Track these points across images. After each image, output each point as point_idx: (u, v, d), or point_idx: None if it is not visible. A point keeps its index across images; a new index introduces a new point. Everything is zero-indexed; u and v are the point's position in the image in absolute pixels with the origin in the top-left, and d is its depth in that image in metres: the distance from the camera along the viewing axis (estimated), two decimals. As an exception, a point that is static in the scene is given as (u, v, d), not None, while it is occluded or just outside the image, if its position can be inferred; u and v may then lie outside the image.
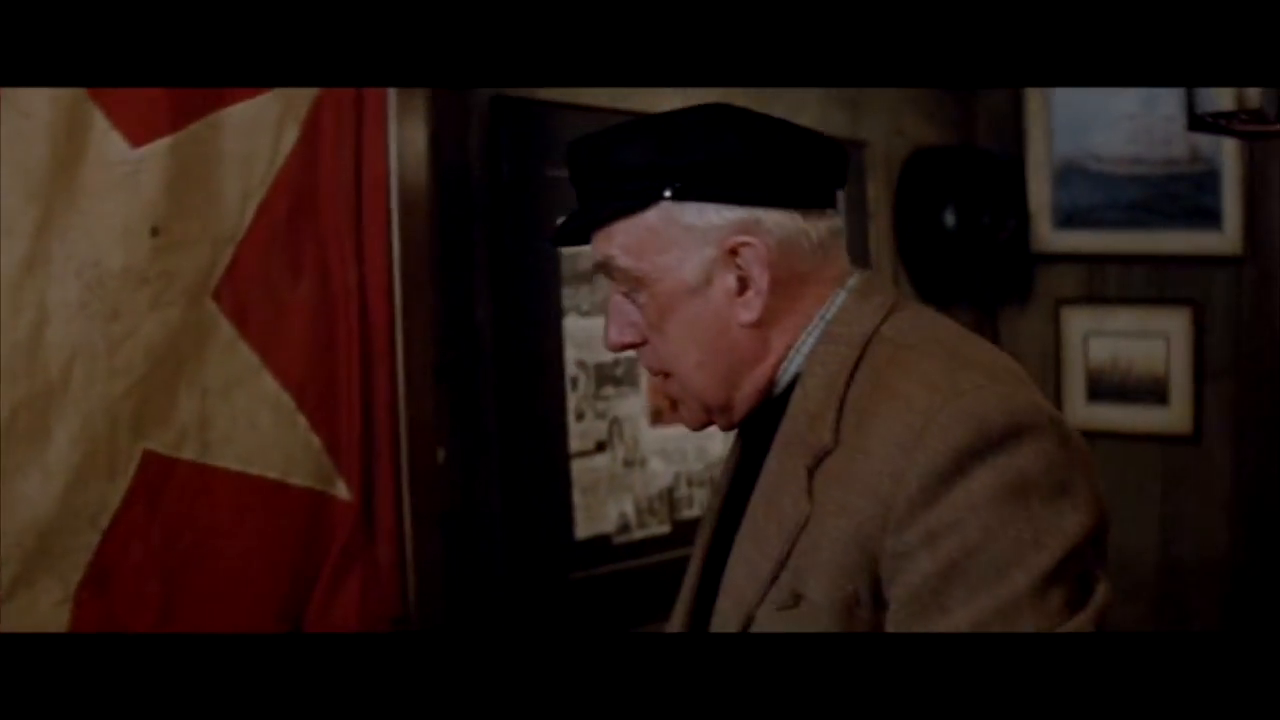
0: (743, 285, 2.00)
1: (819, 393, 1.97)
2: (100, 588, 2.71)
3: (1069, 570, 1.81)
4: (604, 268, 2.05)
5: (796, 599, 1.89)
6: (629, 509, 3.78)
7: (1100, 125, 4.82)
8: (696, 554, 2.21)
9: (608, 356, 3.67)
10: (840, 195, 2.11)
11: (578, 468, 3.66)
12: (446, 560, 3.28)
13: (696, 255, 2.00)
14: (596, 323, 3.63)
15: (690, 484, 3.86)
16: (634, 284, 2.03)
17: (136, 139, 2.72)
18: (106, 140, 2.68)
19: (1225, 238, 4.65)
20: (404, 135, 3.14)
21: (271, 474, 2.96)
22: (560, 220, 2.15)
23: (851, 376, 1.96)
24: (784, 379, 2.05)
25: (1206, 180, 4.67)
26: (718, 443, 3.84)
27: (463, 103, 3.44)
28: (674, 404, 2.13)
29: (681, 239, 2.00)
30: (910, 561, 1.82)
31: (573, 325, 3.66)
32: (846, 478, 1.88)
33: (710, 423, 2.10)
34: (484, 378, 3.50)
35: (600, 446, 3.72)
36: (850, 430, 1.91)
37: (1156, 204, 4.75)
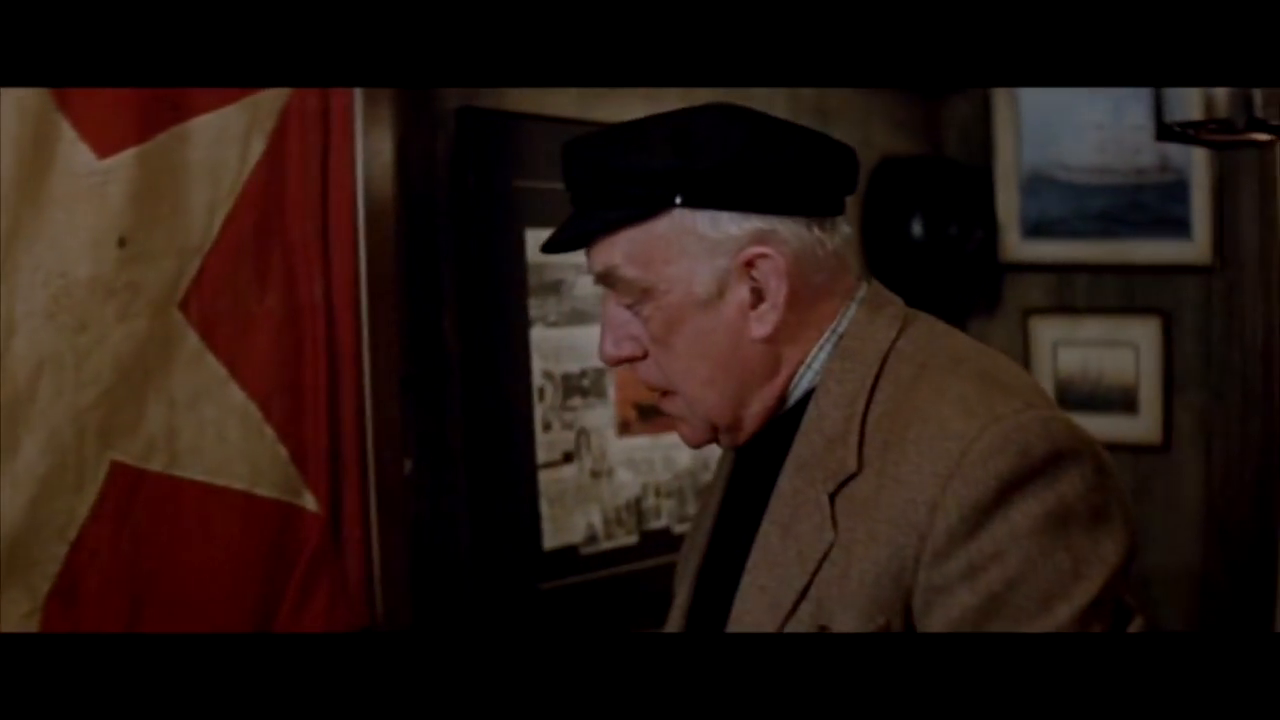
0: (757, 298, 1.94)
1: (836, 413, 1.92)
2: (69, 599, 2.71)
3: (1107, 599, 1.79)
4: (605, 278, 1.97)
5: (821, 630, 1.83)
6: (596, 520, 3.79)
7: (1068, 135, 4.85)
8: (685, 577, 2.15)
9: (575, 367, 3.71)
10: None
11: (545, 478, 3.67)
12: (414, 571, 3.29)
13: (708, 266, 1.93)
14: (564, 333, 3.67)
15: (658, 495, 3.89)
16: (639, 296, 1.95)
17: (103, 150, 2.72)
18: (74, 151, 2.69)
19: (1194, 247, 4.69)
20: (370, 146, 3.15)
21: (239, 485, 2.96)
22: (558, 227, 2.06)
23: (871, 396, 1.91)
24: (794, 395, 1.99)
25: (1175, 190, 4.70)
26: (686, 454, 3.87)
27: (429, 114, 3.46)
28: (674, 421, 2.05)
29: (693, 249, 1.92)
30: (949, 595, 1.77)
31: (539, 336, 3.66)
32: (876, 505, 1.82)
33: (713, 440, 2.03)
34: (451, 388, 3.51)
35: (567, 457, 3.73)
36: (875, 454, 1.86)
37: (1125, 213, 4.78)
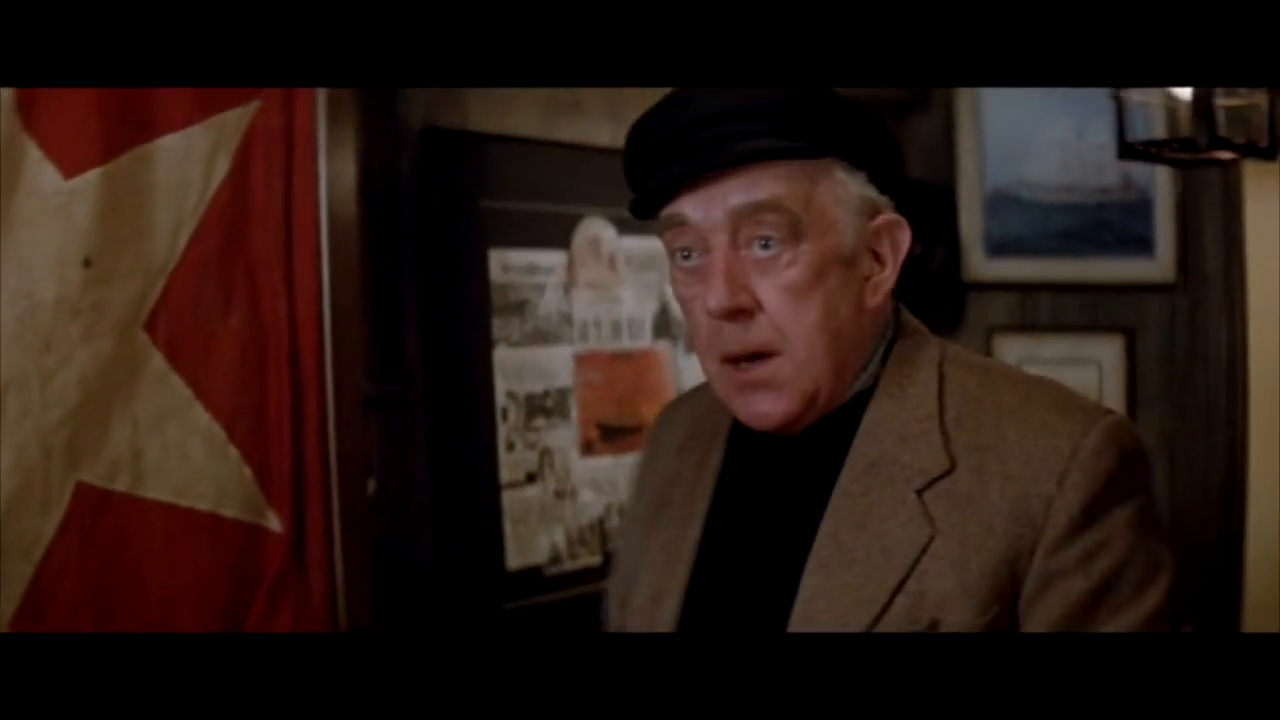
0: (879, 266, 2.02)
1: (904, 414, 1.99)
2: (35, 618, 2.72)
3: (1176, 590, 1.94)
4: (761, 208, 1.94)
5: (932, 625, 1.88)
6: (560, 540, 3.83)
7: (1032, 153, 4.88)
8: (672, 586, 2.12)
9: (538, 387, 3.76)
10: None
11: (508, 499, 3.71)
12: (378, 591, 3.31)
13: (854, 223, 1.98)
14: (527, 353, 3.73)
15: (622, 514, 3.87)
16: (790, 234, 1.94)
17: (69, 169, 2.75)
18: (39, 171, 2.71)
19: (1158, 265, 4.72)
20: (334, 166, 3.16)
21: (203, 505, 2.98)
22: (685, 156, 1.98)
23: (942, 399, 1.99)
24: (849, 393, 2.04)
25: (1139, 208, 4.74)
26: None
27: (393, 134, 3.49)
28: (756, 394, 2.01)
29: (849, 200, 1.98)
30: (1065, 580, 1.87)
31: (503, 356, 3.71)
32: (984, 500, 1.90)
33: (799, 420, 2.02)
34: (414, 409, 3.55)
35: (531, 477, 3.77)
36: (967, 452, 1.94)
37: (1089, 232, 4.82)
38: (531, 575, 3.77)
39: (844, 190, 1.98)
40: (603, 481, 3.90)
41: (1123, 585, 1.89)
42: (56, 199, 2.75)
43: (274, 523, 3.09)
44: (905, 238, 2.04)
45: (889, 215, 2.03)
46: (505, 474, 3.72)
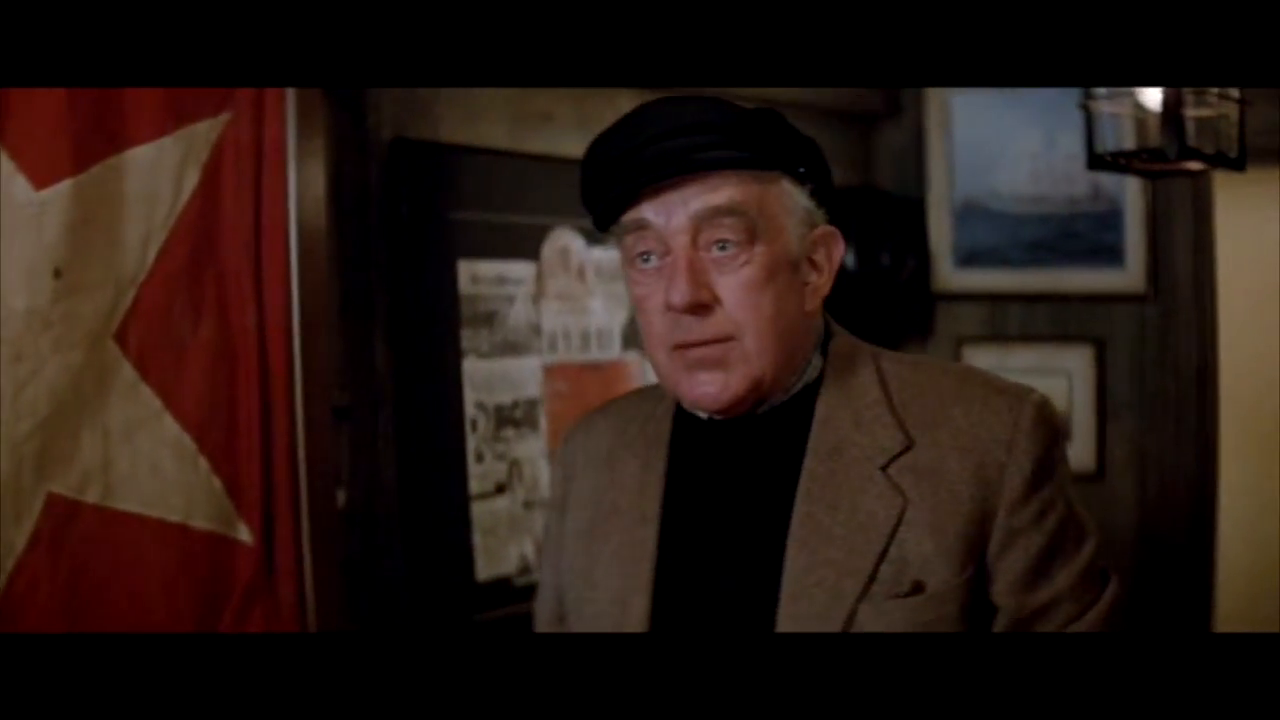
0: (814, 274, 2.18)
1: (855, 402, 2.17)
2: (5, 628, 2.73)
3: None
4: (721, 211, 2.08)
5: (917, 587, 2.06)
6: (529, 551, 3.87)
7: (1002, 164, 4.95)
8: (637, 586, 2.21)
9: (506, 398, 3.80)
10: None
11: (478, 509, 3.75)
12: (348, 602, 3.34)
13: (798, 232, 2.14)
14: (495, 364, 3.77)
15: None
16: (748, 236, 2.09)
17: (40, 181, 2.77)
18: (11, 183, 2.73)
19: (1128, 275, 4.80)
20: (304, 177, 3.19)
21: (173, 517, 3.00)
22: (657, 160, 2.12)
23: (885, 387, 2.18)
24: (795, 388, 2.20)
25: (1109, 218, 4.81)
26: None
27: (362, 145, 3.52)
28: (709, 374, 2.12)
29: (795, 211, 2.14)
30: (1023, 537, 2.09)
31: (472, 367, 3.74)
32: (944, 470, 2.11)
33: (742, 401, 2.14)
34: (383, 420, 3.58)
35: (500, 488, 3.81)
36: (921, 431, 2.13)
37: (1059, 242, 4.89)
38: (501, 586, 3.80)
39: (790, 200, 2.15)
40: (572, 492, 3.89)
41: (1067, 540, 2.12)
42: (27, 210, 2.76)
43: (244, 534, 3.12)
44: (840, 248, 2.21)
45: (826, 227, 2.20)
46: (475, 485, 3.76)
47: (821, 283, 2.19)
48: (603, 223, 2.19)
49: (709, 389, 2.13)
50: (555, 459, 2.49)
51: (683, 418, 2.27)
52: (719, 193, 2.08)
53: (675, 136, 2.09)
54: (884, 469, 2.12)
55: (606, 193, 2.14)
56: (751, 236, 2.09)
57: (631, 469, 2.30)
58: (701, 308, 2.09)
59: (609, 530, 2.29)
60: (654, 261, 2.13)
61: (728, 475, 2.21)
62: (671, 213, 2.09)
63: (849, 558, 2.08)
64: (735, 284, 2.10)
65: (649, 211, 2.10)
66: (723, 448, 2.22)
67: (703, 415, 2.21)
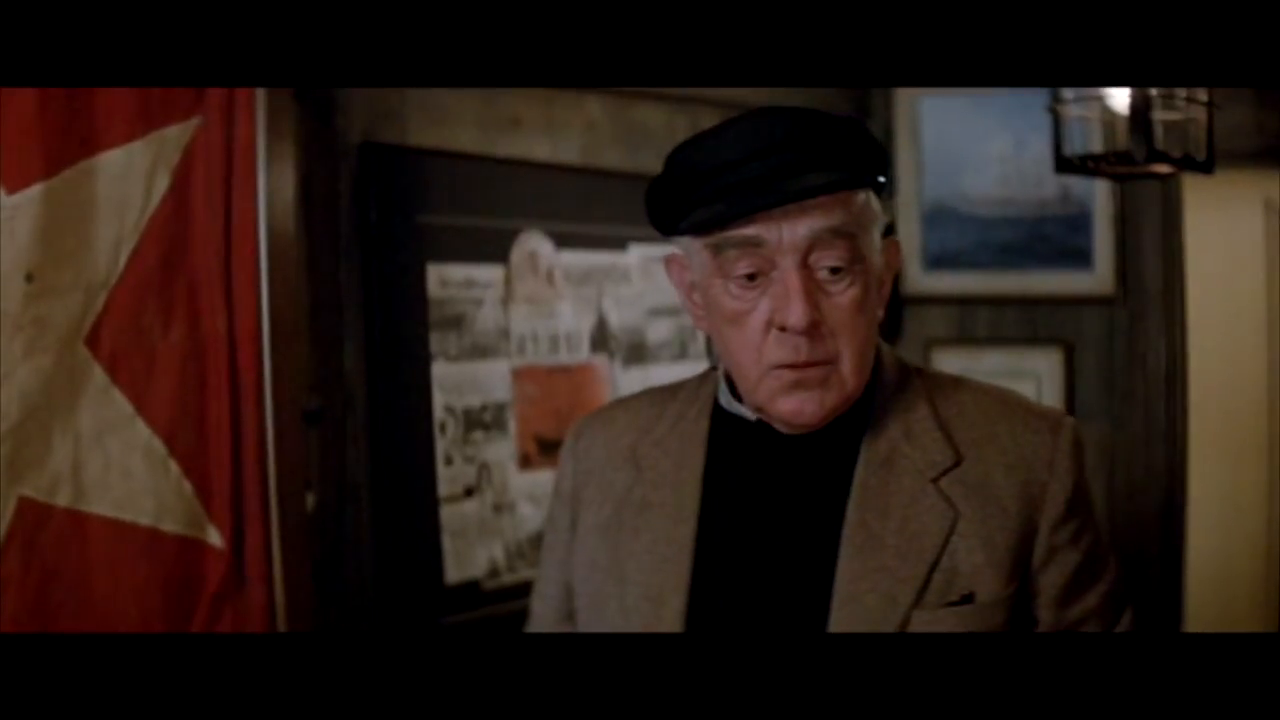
0: (882, 286, 2.22)
1: (905, 416, 2.24)
2: None
3: None
4: (832, 233, 2.10)
5: (967, 597, 2.14)
6: (498, 554, 3.90)
7: (970, 167, 4.99)
8: (673, 584, 2.23)
9: (475, 401, 3.84)
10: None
11: (447, 513, 3.78)
12: (317, 605, 3.37)
13: (878, 245, 2.18)
14: (464, 368, 3.80)
15: None
16: (853, 257, 2.12)
17: (11, 185, 2.80)
18: None
19: (1097, 278, 4.86)
20: (273, 181, 3.21)
21: (144, 521, 3.03)
22: (760, 182, 2.12)
23: (931, 403, 2.25)
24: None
25: (1078, 221, 4.86)
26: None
27: (331, 149, 3.55)
28: (803, 395, 2.15)
29: (877, 223, 2.18)
30: (1063, 553, 2.20)
31: (441, 370, 3.78)
32: (993, 485, 2.19)
33: (827, 418, 2.17)
34: (353, 423, 3.61)
35: (469, 491, 3.84)
36: (969, 446, 2.21)
37: (1028, 245, 4.93)
38: (470, 589, 3.83)
39: (873, 213, 2.18)
40: (541, 495, 3.90)
41: (1097, 561, 2.23)
42: (-1, 215, 2.80)
43: (214, 537, 3.15)
44: (900, 259, 2.28)
45: (892, 237, 2.23)
46: (444, 488, 3.78)
47: (886, 294, 2.23)
48: (678, 228, 2.21)
49: (808, 407, 2.16)
50: (565, 452, 2.48)
51: (721, 419, 2.31)
52: (831, 214, 2.10)
53: (781, 152, 2.10)
54: (935, 481, 2.19)
55: (706, 206, 2.14)
56: (857, 257, 2.12)
57: (663, 466, 2.31)
58: (813, 327, 2.10)
59: (639, 526, 2.30)
60: (758, 278, 2.13)
61: (775, 480, 2.24)
62: (784, 232, 2.10)
63: (902, 565, 2.14)
64: (840, 305, 2.13)
65: (761, 229, 2.10)
66: (771, 453, 2.25)
67: (781, 428, 2.22)
